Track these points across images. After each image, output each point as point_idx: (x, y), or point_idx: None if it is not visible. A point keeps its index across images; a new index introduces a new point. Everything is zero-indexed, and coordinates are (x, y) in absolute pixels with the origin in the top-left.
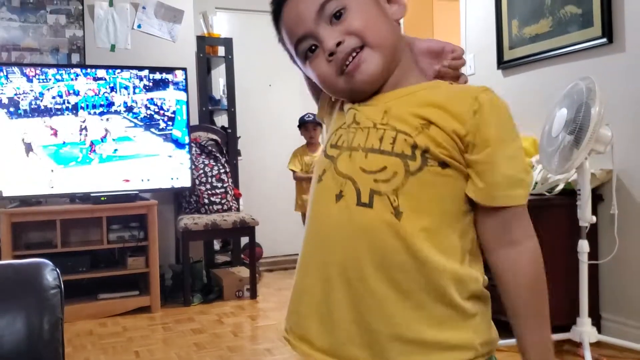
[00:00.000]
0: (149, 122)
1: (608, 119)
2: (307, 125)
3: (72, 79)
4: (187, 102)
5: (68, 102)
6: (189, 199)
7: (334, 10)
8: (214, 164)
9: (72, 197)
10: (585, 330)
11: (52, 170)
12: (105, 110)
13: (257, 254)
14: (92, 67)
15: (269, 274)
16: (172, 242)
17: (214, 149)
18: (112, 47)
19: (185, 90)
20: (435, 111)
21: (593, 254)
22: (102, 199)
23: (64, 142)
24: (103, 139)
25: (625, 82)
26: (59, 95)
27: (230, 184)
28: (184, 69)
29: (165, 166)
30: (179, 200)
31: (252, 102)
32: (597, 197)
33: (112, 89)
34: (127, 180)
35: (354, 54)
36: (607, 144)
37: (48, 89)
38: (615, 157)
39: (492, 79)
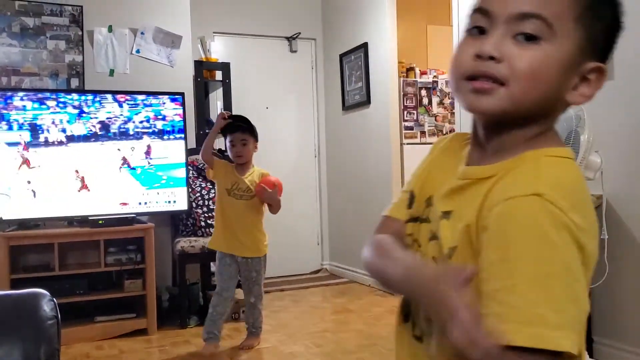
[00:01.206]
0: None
1: (597, 145)
2: (234, 134)
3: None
4: (185, 126)
5: (155, 126)
6: (186, 221)
7: (529, 32)
8: (211, 186)
9: (70, 221)
10: None
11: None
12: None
13: None
14: (90, 92)
15: (265, 296)
16: (169, 265)
17: None
18: (111, 72)
19: (183, 114)
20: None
21: None
22: (100, 222)
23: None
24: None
25: (614, 109)
26: (146, 120)
27: None
28: (182, 94)
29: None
30: (176, 223)
31: None
32: None
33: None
34: (125, 204)
35: (491, 81)
36: (597, 170)
37: (136, 114)
38: (605, 183)
39: None
